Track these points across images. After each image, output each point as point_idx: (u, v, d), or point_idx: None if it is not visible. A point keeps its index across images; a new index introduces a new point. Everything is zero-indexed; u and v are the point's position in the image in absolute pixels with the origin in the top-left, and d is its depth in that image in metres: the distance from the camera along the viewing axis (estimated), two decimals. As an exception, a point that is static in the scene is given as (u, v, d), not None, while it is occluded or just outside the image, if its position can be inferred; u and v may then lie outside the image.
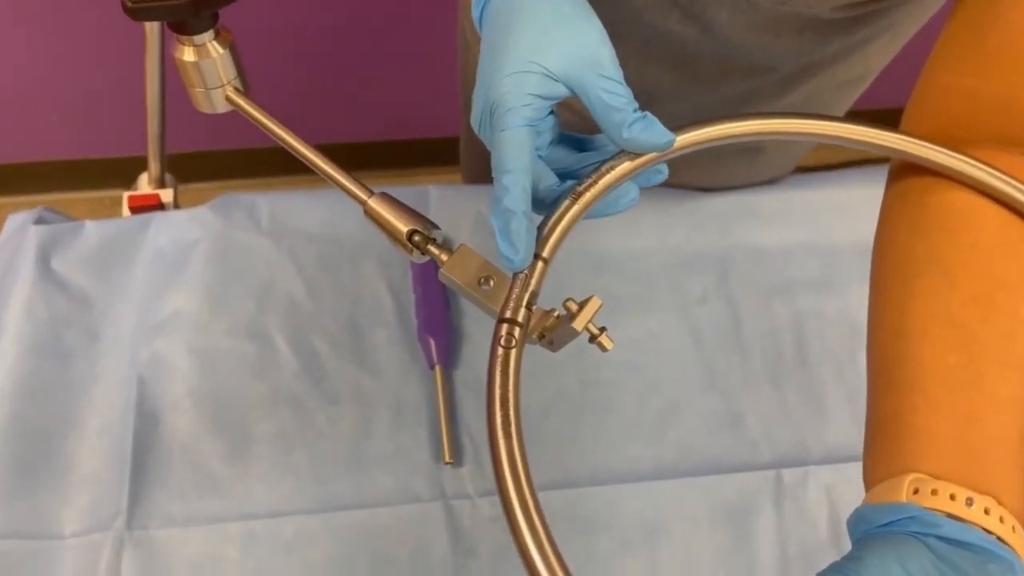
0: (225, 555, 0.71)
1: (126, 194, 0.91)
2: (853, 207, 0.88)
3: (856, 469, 0.81)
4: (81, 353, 0.78)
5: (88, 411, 0.76)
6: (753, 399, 0.80)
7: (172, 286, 0.80)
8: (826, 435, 0.79)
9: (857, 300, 0.85)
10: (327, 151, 0.49)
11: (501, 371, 0.39)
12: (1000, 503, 0.39)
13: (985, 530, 0.38)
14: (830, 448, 0.78)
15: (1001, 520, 0.39)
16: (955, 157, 0.47)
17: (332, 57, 1.50)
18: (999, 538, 0.38)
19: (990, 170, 0.46)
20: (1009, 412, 0.41)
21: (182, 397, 0.76)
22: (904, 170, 0.50)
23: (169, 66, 0.53)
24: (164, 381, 0.76)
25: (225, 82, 0.52)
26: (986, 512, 0.38)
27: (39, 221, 0.84)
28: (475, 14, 0.48)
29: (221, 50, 0.51)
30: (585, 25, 0.44)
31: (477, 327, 0.81)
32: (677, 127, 0.45)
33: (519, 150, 0.42)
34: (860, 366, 0.83)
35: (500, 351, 0.40)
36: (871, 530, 0.40)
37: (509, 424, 0.38)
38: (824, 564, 0.74)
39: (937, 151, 0.47)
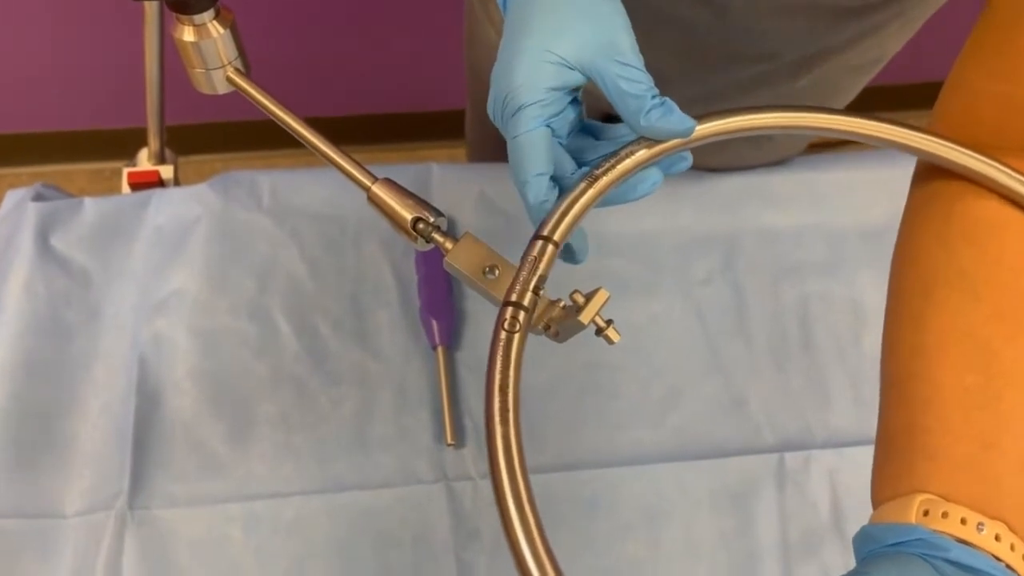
0: (227, 536, 0.71)
1: (126, 170, 0.90)
2: (860, 189, 0.87)
3: (858, 453, 0.81)
4: (81, 332, 0.77)
5: (89, 390, 0.75)
6: (757, 383, 0.80)
7: (172, 265, 0.80)
8: (829, 419, 0.79)
9: (863, 283, 0.84)
10: (329, 124, 0.48)
11: (503, 356, 0.38)
12: (1012, 530, 0.38)
13: (995, 557, 0.37)
14: (833, 432, 0.78)
15: (1012, 548, 0.38)
16: (985, 162, 0.45)
17: (334, 28, 1.48)
18: (1008, 565, 0.37)
19: (1020, 177, 0.45)
20: None
21: (183, 377, 0.75)
22: (930, 173, 0.49)
23: (169, 43, 0.52)
24: (165, 361, 0.76)
25: (226, 63, 0.51)
26: (997, 539, 0.38)
27: (37, 198, 0.83)
28: None
29: (222, 30, 0.50)
30: (605, 9, 0.43)
31: (480, 308, 0.81)
32: (699, 116, 0.44)
33: (536, 155, 0.42)
34: (865, 350, 0.83)
35: (503, 335, 0.39)
36: (878, 549, 0.39)
37: (507, 411, 0.37)
38: (825, 548, 0.75)
39: (966, 154, 0.45)
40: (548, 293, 0.43)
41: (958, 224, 0.46)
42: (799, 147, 0.88)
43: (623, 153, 0.43)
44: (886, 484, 0.42)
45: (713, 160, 0.86)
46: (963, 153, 0.46)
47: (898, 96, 1.53)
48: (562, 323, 0.43)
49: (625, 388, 0.78)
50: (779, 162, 0.88)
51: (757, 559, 0.74)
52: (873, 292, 0.84)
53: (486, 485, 0.74)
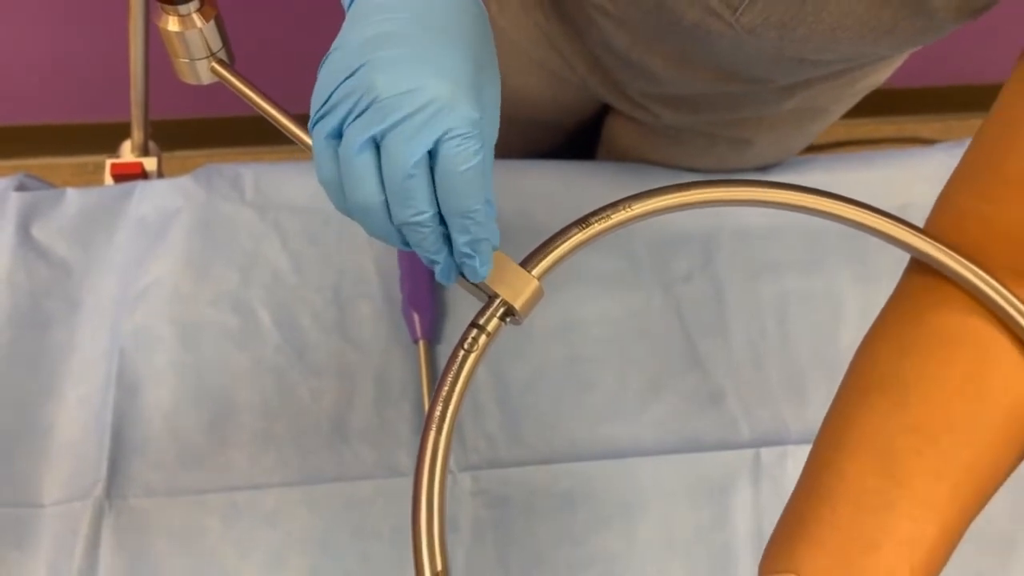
0: (206, 526, 0.71)
1: (109, 161, 0.90)
2: (839, 189, 0.87)
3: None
4: (61, 322, 0.77)
5: (67, 380, 0.75)
6: (734, 378, 0.80)
7: (154, 256, 0.80)
8: (805, 415, 0.79)
9: (841, 281, 0.85)
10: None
11: (455, 371, 0.42)
12: None
13: None
14: (809, 427, 0.79)
15: None
16: (961, 263, 0.47)
17: (327, 19, 1.47)
18: None
19: (976, 269, 0.46)
20: (906, 548, 0.42)
21: (163, 368, 0.76)
22: (920, 271, 0.50)
23: (154, 33, 0.52)
24: (145, 352, 0.76)
25: (210, 53, 0.51)
26: None
27: (20, 188, 0.83)
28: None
29: (207, 20, 0.50)
30: None
31: (461, 302, 0.81)
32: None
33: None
34: (842, 347, 0.84)
35: (461, 352, 0.43)
36: None
37: (444, 420, 0.42)
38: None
39: (947, 254, 0.47)
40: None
41: (920, 333, 0.47)
42: (781, 156, 0.89)
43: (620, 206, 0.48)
44: (771, 559, 0.45)
45: (695, 161, 0.86)
46: (942, 251, 0.47)
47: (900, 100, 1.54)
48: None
49: (603, 382, 0.79)
50: (761, 168, 0.89)
51: (732, 552, 0.74)
52: (851, 289, 0.85)
53: (466, 478, 0.74)
